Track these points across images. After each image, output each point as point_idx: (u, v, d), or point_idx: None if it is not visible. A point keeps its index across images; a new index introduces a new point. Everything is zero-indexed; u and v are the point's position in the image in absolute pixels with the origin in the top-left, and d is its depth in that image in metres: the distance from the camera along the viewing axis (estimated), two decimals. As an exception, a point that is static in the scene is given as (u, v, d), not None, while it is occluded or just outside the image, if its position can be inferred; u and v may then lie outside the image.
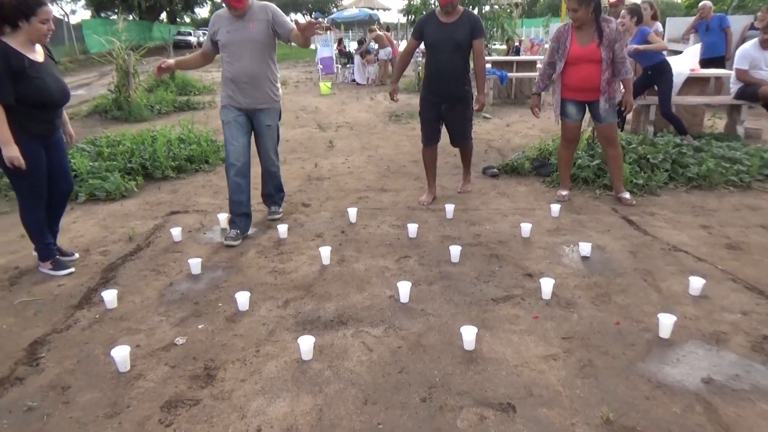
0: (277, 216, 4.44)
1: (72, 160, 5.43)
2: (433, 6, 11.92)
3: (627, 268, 3.49)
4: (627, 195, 4.71)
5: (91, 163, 5.49)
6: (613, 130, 4.58)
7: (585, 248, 3.66)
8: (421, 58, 11.59)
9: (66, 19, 26.85)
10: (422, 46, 4.70)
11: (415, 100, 10.97)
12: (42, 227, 3.52)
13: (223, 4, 3.89)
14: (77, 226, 4.42)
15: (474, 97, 4.70)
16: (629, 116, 6.98)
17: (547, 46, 15.71)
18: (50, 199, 3.55)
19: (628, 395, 2.31)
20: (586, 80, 4.39)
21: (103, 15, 34.56)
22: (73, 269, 3.58)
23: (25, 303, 3.20)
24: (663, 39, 7.27)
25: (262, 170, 4.32)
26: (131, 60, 9.29)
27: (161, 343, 2.77)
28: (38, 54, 3.29)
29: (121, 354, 2.52)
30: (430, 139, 4.78)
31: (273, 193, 4.47)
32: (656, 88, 6.23)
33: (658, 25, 7.23)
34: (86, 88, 13.95)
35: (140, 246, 4.01)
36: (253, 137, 4.19)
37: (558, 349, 2.65)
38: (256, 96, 3.96)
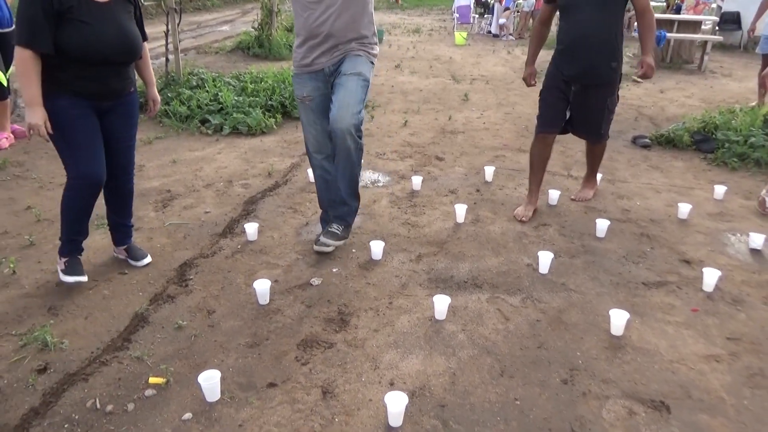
0: (327, 247, 2.96)
1: (219, 94, 5.68)
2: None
3: (808, 268, 3.02)
4: None
5: (236, 98, 5.70)
6: None
7: (757, 240, 3.21)
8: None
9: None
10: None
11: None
12: (77, 215, 2.66)
13: None
14: (221, 157, 4.62)
15: (620, 76, 3.49)
16: None
17: (714, 5, 14.01)
18: (110, 178, 2.71)
19: (811, 417, 2.00)
20: None
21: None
22: (83, 278, 2.68)
23: (176, 226, 3.39)
24: None
25: (334, 146, 2.86)
26: (276, -1, 9.48)
27: (298, 281, 2.82)
28: None
29: (262, 287, 2.59)
30: (547, 124, 3.54)
31: (344, 194, 2.95)
32: None
33: None
34: (230, 25, 14.55)
35: (278, 183, 4.12)
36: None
37: (722, 351, 2.36)
38: (340, 51, 2.82)
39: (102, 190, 2.69)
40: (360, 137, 2.83)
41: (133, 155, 2.87)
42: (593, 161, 3.86)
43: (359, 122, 2.79)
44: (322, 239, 2.83)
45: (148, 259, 2.97)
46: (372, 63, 2.89)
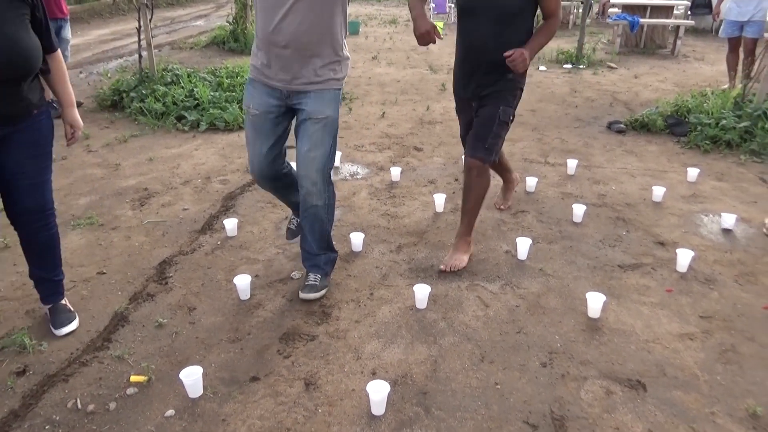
0: (313, 296, 2.57)
1: (195, 90, 5.62)
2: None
3: (778, 246, 3.11)
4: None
5: (212, 93, 5.65)
6: None
7: (728, 220, 3.29)
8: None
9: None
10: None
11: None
12: None
13: None
14: (199, 154, 4.59)
15: (520, 90, 2.83)
16: None
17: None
18: (14, 225, 2.25)
19: (780, 390, 2.06)
20: None
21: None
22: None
23: (154, 224, 3.37)
24: None
25: (300, 201, 2.57)
26: (250, -8, 9.39)
27: (279, 276, 2.82)
28: None
29: (243, 282, 2.59)
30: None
31: (315, 249, 2.61)
32: None
33: None
34: (204, 20, 14.37)
35: (257, 178, 4.10)
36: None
37: (695, 329, 2.42)
38: (301, 71, 2.38)
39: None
40: (331, 192, 2.56)
41: (48, 195, 2.25)
42: (469, 201, 2.87)
43: (328, 176, 2.51)
44: (302, 295, 2.58)
45: (72, 327, 2.35)
46: (340, 89, 2.50)
